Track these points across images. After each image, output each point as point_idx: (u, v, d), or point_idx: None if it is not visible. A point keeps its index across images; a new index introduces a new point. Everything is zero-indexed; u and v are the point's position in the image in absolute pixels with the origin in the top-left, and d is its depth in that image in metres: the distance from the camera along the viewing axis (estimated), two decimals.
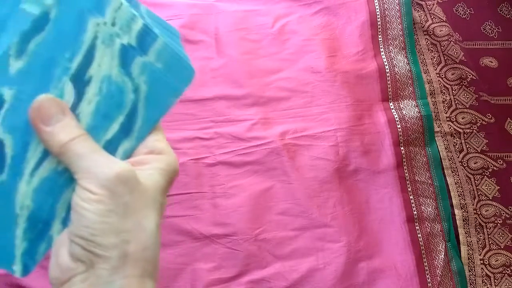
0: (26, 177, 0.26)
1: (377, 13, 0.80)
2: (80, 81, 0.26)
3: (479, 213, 0.71)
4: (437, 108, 0.76)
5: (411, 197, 0.71)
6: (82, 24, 0.26)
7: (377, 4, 0.80)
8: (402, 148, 0.73)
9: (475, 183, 0.73)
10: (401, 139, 0.73)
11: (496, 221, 0.71)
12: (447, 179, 0.73)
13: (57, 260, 0.26)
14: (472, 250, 0.70)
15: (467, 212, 0.71)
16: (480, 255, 0.69)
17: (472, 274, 0.69)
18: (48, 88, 0.26)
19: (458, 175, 0.73)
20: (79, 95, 0.26)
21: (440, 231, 0.70)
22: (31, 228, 0.27)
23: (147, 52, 0.29)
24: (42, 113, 0.25)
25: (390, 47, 0.78)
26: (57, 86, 0.26)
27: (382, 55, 0.78)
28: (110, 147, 0.28)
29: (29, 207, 0.27)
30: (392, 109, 0.75)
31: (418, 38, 0.80)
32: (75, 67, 0.26)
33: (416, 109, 0.75)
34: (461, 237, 0.70)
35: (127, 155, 0.29)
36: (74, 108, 0.26)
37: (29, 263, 0.27)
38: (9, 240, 0.27)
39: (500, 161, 0.74)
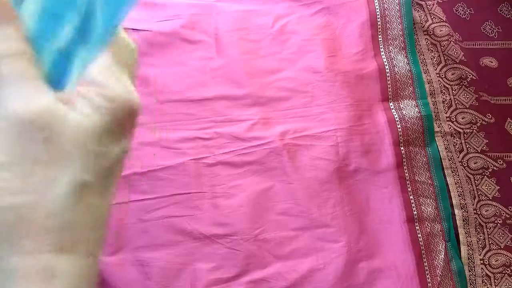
0: None
1: (377, 13, 0.80)
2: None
3: (479, 213, 0.71)
4: (437, 108, 0.76)
5: (411, 197, 0.71)
6: None
7: (377, 4, 0.80)
8: (402, 148, 0.73)
9: (475, 183, 0.73)
10: (401, 139, 0.73)
11: (496, 221, 0.71)
12: (447, 179, 0.73)
13: None
14: (472, 250, 0.70)
15: (467, 212, 0.71)
16: (480, 255, 0.69)
17: (472, 274, 0.69)
18: None
19: (458, 175, 0.73)
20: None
21: (440, 231, 0.70)
22: None
23: None
24: None
25: (390, 47, 0.78)
26: None
27: (382, 55, 0.78)
28: (65, 58, 0.22)
29: None
30: (392, 109, 0.75)
31: (418, 38, 0.80)
32: None
33: (416, 109, 0.75)
34: (461, 237, 0.70)
35: (85, 69, 0.22)
36: (14, 5, 0.20)
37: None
38: None
39: (500, 161, 0.74)
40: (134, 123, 0.22)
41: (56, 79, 0.21)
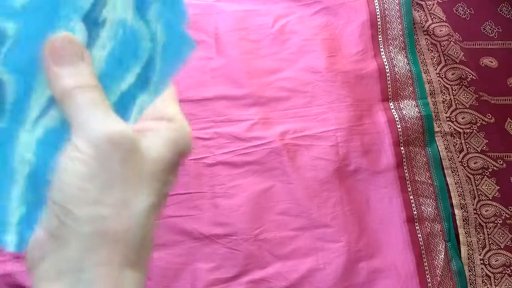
0: (28, 125, 0.22)
1: (377, 13, 0.80)
2: (93, 23, 0.23)
3: (479, 213, 0.71)
4: (437, 108, 0.76)
5: (411, 197, 0.71)
6: None
7: (377, 4, 0.80)
8: (402, 148, 0.73)
9: (475, 183, 0.73)
10: (401, 139, 0.73)
11: (496, 221, 0.71)
12: (447, 179, 0.73)
13: (34, 235, 0.21)
14: (472, 250, 0.70)
15: (467, 212, 0.71)
16: (480, 255, 0.69)
17: (472, 274, 0.69)
18: (56, 25, 0.22)
19: (458, 175, 0.73)
20: (92, 38, 0.23)
21: (440, 231, 0.70)
22: (31, 189, 0.22)
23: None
24: (57, 51, 0.21)
25: (390, 47, 0.78)
26: (67, 25, 0.23)
27: (382, 55, 0.78)
28: (126, 100, 0.24)
29: (31, 161, 0.22)
30: (392, 109, 0.75)
31: (418, 38, 0.80)
32: (88, 6, 0.23)
33: (416, 109, 0.75)
34: (461, 237, 0.70)
35: (143, 111, 0.25)
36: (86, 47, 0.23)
37: (26, 233, 0.21)
38: (3, 202, 0.21)
39: (500, 161, 0.74)
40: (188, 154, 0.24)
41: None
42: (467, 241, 0.70)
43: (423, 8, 0.81)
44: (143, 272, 0.21)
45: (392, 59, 0.78)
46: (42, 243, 0.20)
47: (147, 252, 0.22)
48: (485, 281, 0.68)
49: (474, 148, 0.74)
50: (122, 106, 0.24)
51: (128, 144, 0.21)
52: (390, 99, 0.76)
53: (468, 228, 0.71)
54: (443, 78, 0.78)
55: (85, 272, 0.19)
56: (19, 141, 0.22)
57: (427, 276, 0.67)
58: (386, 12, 0.80)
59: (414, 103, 0.76)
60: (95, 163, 0.20)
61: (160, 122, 0.23)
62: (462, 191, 0.72)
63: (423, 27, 0.80)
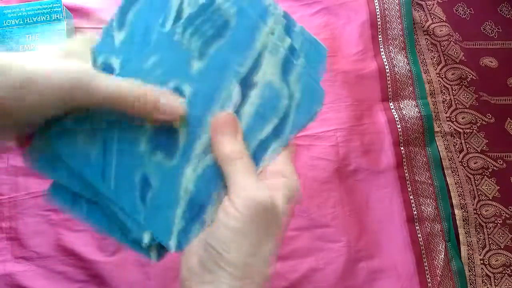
0: (192, 164, 0.29)
1: (377, 13, 0.80)
2: (246, 85, 0.30)
3: (479, 213, 0.71)
4: (437, 108, 0.76)
5: (411, 197, 0.71)
6: (255, 33, 0.30)
7: (377, 4, 0.80)
8: (402, 148, 0.73)
9: (475, 183, 0.73)
10: (401, 139, 0.73)
11: (496, 221, 0.71)
12: (447, 179, 0.73)
13: (187, 263, 0.28)
14: (472, 250, 0.70)
15: (467, 212, 0.71)
16: (480, 255, 0.69)
17: (472, 274, 0.69)
18: (220, 88, 0.30)
19: (458, 175, 0.73)
20: (244, 97, 0.30)
21: (440, 231, 0.70)
22: (189, 210, 0.30)
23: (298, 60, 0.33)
24: (221, 125, 0.29)
25: (390, 47, 0.78)
26: (227, 87, 0.30)
27: (382, 55, 0.78)
28: (262, 146, 0.31)
29: (191, 191, 0.30)
30: (392, 109, 0.75)
31: (418, 38, 0.80)
32: (245, 72, 0.29)
33: (416, 109, 0.75)
34: (461, 237, 0.70)
35: (274, 156, 0.32)
36: (238, 108, 0.30)
37: (182, 240, 0.29)
38: (170, 218, 0.29)
39: (500, 161, 0.74)
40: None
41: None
42: (467, 241, 0.70)
43: (423, 8, 0.81)
44: None
45: (392, 59, 0.78)
46: (195, 272, 0.27)
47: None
48: (485, 281, 0.68)
49: (474, 148, 0.74)
50: (259, 151, 0.31)
51: (273, 210, 0.27)
52: (390, 99, 0.76)
53: (468, 228, 0.71)
54: (443, 78, 0.78)
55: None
56: (185, 175, 0.29)
57: (427, 276, 0.67)
58: (386, 12, 0.80)
59: (414, 103, 0.76)
60: (248, 222, 0.26)
61: (281, 180, 0.30)
62: (462, 191, 0.72)
63: (423, 27, 0.80)
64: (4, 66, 0.24)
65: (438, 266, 0.67)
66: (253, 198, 0.27)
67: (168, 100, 0.28)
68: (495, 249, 0.70)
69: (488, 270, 0.69)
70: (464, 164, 0.74)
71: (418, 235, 0.69)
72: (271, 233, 0.27)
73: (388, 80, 0.77)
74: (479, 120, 0.75)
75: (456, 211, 0.71)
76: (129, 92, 0.26)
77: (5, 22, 0.70)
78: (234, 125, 0.29)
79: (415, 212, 0.70)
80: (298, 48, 0.33)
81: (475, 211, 0.71)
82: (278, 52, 0.31)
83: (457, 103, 0.77)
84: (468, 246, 0.70)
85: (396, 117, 0.74)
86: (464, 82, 0.77)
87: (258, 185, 0.28)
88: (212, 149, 0.29)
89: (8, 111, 0.25)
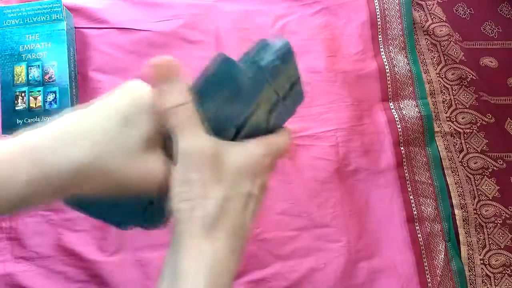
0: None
1: (377, 13, 0.80)
2: (239, 128, 0.32)
3: (479, 213, 0.71)
4: (437, 108, 0.76)
5: (411, 197, 0.71)
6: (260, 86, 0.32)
7: (377, 4, 0.80)
8: (402, 148, 0.73)
9: (475, 183, 0.73)
10: (401, 139, 0.73)
11: (496, 221, 0.71)
12: (447, 179, 0.73)
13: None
14: (472, 250, 0.70)
15: (467, 212, 0.71)
16: (480, 255, 0.69)
17: (472, 274, 0.69)
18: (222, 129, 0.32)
19: (458, 175, 0.73)
20: (236, 136, 0.32)
21: (440, 231, 0.70)
22: None
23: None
24: (160, 75, 0.29)
25: (390, 47, 0.78)
26: (229, 130, 0.32)
27: (382, 55, 0.78)
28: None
29: None
30: (392, 109, 0.75)
31: (418, 38, 0.80)
32: (241, 122, 0.31)
33: (416, 109, 0.75)
34: (461, 237, 0.70)
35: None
36: (232, 139, 0.32)
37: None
38: None
39: (500, 161, 0.74)
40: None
41: (220, 128, 0.31)
42: (467, 241, 0.70)
43: (423, 8, 0.81)
44: (215, 243, 0.29)
45: (392, 59, 0.78)
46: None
47: (227, 228, 0.29)
48: (485, 281, 0.68)
49: (474, 148, 0.74)
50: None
51: (210, 157, 0.28)
52: (390, 99, 0.76)
53: (468, 228, 0.71)
54: (443, 78, 0.78)
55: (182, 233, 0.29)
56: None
57: (427, 276, 0.67)
58: (386, 12, 0.80)
59: (414, 103, 0.76)
60: (182, 173, 0.28)
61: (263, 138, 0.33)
62: (462, 191, 0.72)
63: (423, 27, 0.80)
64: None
65: (438, 266, 0.67)
66: (184, 149, 0.28)
67: None
68: (495, 249, 0.70)
69: (488, 270, 0.69)
70: (464, 164, 0.74)
71: (418, 235, 0.69)
72: (217, 177, 0.29)
73: (388, 80, 0.76)
74: (479, 120, 0.75)
75: (456, 211, 0.71)
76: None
77: (5, 22, 0.70)
78: (173, 72, 0.29)
79: (415, 212, 0.70)
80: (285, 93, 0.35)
81: (475, 211, 0.71)
82: (272, 100, 0.33)
83: (457, 103, 0.76)
84: (468, 246, 0.70)
85: (396, 117, 0.74)
86: (464, 82, 0.77)
87: (195, 133, 0.29)
88: (155, 100, 0.29)
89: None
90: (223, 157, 0.29)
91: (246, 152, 0.30)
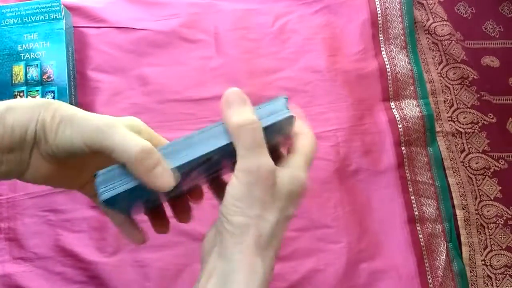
0: None
1: (378, 12, 0.79)
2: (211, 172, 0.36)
3: (480, 213, 0.71)
4: (438, 108, 0.76)
5: (412, 197, 0.70)
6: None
7: (378, 3, 0.80)
8: (403, 148, 0.72)
9: (477, 183, 0.72)
10: (402, 139, 0.72)
11: (497, 222, 0.70)
12: (449, 179, 0.72)
13: (207, 237, 0.33)
14: (474, 250, 0.69)
15: (468, 212, 0.71)
16: (481, 256, 0.69)
17: (474, 275, 0.68)
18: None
19: (460, 175, 0.73)
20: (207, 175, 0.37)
21: (442, 231, 0.69)
22: None
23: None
24: (227, 101, 0.32)
25: (391, 46, 0.78)
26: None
27: (383, 54, 0.77)
28: None
29: None
30: (393, 108, 0.75)
31: (419, 37, 0.79)
32: (213, 172, 0.36)
33: (417, 109, 0.75)
34: (462, 238, 0.69)
35: None
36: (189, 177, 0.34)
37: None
38: None
39: (501, 161, 0.73)
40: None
41: None
42: (469, 241, 0.70)
43: (424, 7, 0.80)
44: (266, 263, 0.31)
45: (393, 58, 0.77)
46: (211, 240, 0.32)
47: (273, 252, 0.32)
48: (487, 282, 0.68)
49: (476, 148, 0.74)
50: None
51: (268, 177, 0.30)
52: (391, 98, 0.75)
53: (470, 229, 0.70)
54: (445, 78, 0.77)
55: (234, 254, 0.29)
56: None
57: (428, 277, 0.67)
58: (387, 11, 0.80)
59: (415, 102, 0.75)
60: (244, 189, 0.30)
61: (296, 155, 0.34)
62: (464, 192, 0.72)
63: (424, 26, 0.79)
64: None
65: (440, 267, 0.67)
66: (250, 166, 0.29)
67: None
68: (497, 250, 0.69)
69: (490, 271, 0.69)
70: (466, 164, 0.73)
71: (419, 236, 0.68)
72: (273, 199, 0.30)
73: (389, 80, 0.76)
74: (481, 120, 0.75)
75: (457, 212, 0.71)
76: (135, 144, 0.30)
77: (4, 21, 0.70)
78: (240, 96, 0.32)
79: (416, 213, 0.70)
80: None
81: (476, 212, 0.71)
82: None
83: (459, 102, 0.76)
84: (469, 246, 0.70)
85: (397, 117, 0.74)
86: (466, 82, 0.77)
87: (260, 153, 0.30)
88: (225, 123, 0.32)
89: None
90: (276, 179, 0.31)
91: (294, 176, 0.32)
